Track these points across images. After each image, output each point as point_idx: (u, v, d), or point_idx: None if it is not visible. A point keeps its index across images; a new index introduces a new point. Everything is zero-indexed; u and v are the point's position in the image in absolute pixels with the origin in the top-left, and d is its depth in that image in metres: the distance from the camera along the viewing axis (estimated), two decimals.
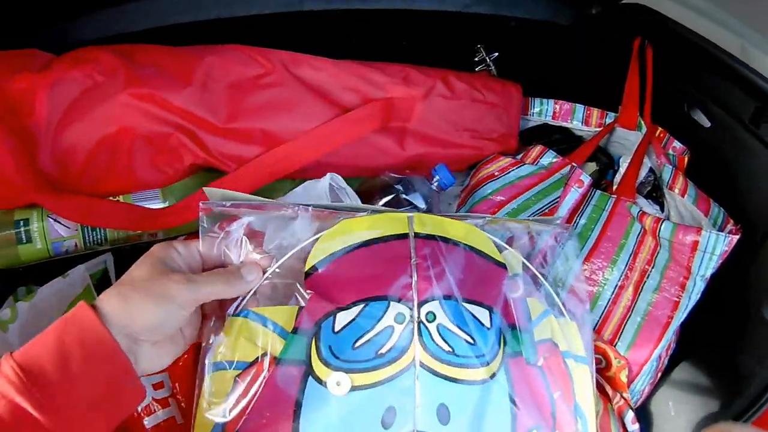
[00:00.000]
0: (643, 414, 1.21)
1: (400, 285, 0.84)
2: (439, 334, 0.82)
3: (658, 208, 1.34)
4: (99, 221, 1.14)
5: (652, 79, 1.39)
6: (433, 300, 0.84)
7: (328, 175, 1.17)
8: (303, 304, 0.83)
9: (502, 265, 0.93)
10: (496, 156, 1.41)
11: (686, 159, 1.37)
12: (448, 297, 0.85)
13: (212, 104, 1.18)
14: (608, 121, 1.47)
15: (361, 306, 0.82)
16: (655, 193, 1.39)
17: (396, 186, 1.28)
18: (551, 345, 0.91)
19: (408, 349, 0.81)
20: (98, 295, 1.07)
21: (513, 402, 0.83)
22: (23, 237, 1.12)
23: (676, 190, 1.28)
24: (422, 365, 0.80)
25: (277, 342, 0.81)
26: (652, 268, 1.19)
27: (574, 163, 1.34)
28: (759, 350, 1.12)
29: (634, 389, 1.15)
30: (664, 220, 1.20)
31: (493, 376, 0.83)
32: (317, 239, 0.88)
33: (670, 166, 1.31)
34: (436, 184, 1.31)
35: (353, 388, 0.78)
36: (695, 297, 1.16)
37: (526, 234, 1.01)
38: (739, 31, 1.21)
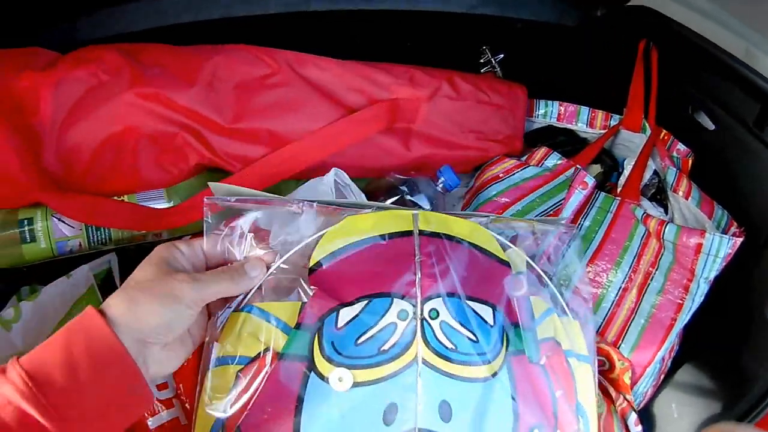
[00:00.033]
0: (646, 416, 1.20)
1: (404, 282, 0.84)
2: (442, 332, 0.82)
3: (662, 210, 1.34)
4: (103, 221, 1.14)
5: (657, 82, 1.39)
6: (436, 297, 0.84)
7: (333, 170, 1.17)
8: (306, 299, 0.83)
9: (506, 264, 0.93)
10: (500, 158, 1.41)
11: (690, 161, 1.37)
12: (451, 294, 0.85)
13: (218, 104, 1.18)
14: (613, 123, 1.47)
15: (365, 302, 0.82)
16: (659, 195, 1.39)
17: (401, 187, 1.28)
18: (554, 344, 0.91)
19: (411, 346, 0.80)
20: (102, 295, 1.09)
21: (515, 400, 0.83)
22: (27, 236, 1.12)
23: (680, 193, 1.28)
24: (425, 362, 0.80)
25: (279, 337, 0.81)
26: (656, 270, 1.19)
27: (578, 165, 1.35)
28: (762, 352, 1.12)
29: (638, 391, 1.15)
30: (668, 222, 1.20)
31: (495, 374, 0.83)
32: (322, 235, 0.88)
33: (674, 169, 1.31)
34: (441, 185, 1.31)
35: (355, 384, 0.78)
36: (699, 299, 1.16)
37: (530, 234, 1.00)
38: (743, 34, 1.21)
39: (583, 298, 0.99)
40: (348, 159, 1.29)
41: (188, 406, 0.98)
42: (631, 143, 1.46)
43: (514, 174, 1.36)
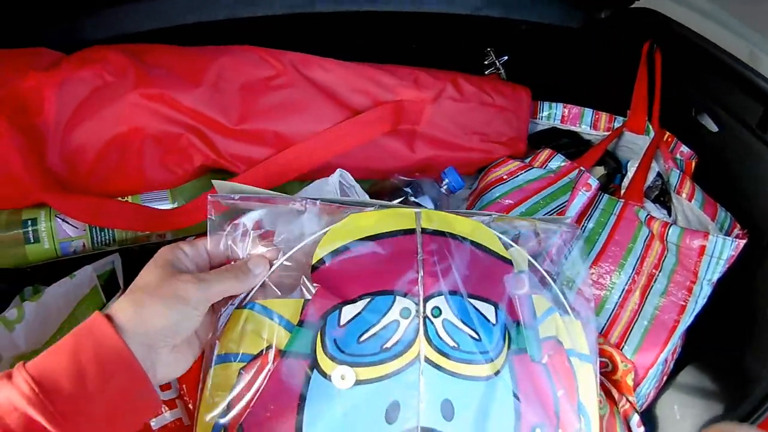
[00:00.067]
0: (649, 417, 1.21)
1: (407, 280, 0.84)
2: (445, 330, 0.82)
3: (665, 212, 1.34)
4: (107, 221, 1.14)
5: (661, 84, 1.39)
6: (438, 295, 0.84)
7: (338, 171, 1.17)
8: (309, 297, 0.83)
9: (509, 262, 0.93)
10: (504, 159, 1.41)
11: (693, 163, 1.38)
12: (453, 292, 0.85)
13: (223, 105, 1.18)
14: (616, 125, 1.47)
15: (367, 300, 0.82)
16: (663, 197, 1.39)
17: (405, 189, 1.28)
18: (556, 343, 0.91)
19: (413, 344, 0.80)
20: (105, 295, 1.08)
21: (517, 399, 0.83)
22: (31, 237, 1.12)
23: (684, 195, 1.28)
24: (427, 360, 0.80)
25: (282, 335, 0.81)
26: (660, 272, 1.19)
27: (582, 167, 1.35)
28: (764, 354, 1.13)
29: (640, 393, 1.15)
30: (671, 224, 1.20)
31: (497, 372, 0.83)
32: (325, 233, 0.88)
33: (678, 171, 1.31)
34: (445, 187, 1.32)
35: (358, 382, 0.78)
36: (702, 301, 1.16)
37: (533, 235, 1.01)
38: (747, 36, 1.21)
39: (585, 298, 0.99)
40: (352, 160, 1.29)
41: (191, 407, 0.99)
42: (634, 145, 1.46)
43: (517, 176, 1.36)
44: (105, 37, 1.23)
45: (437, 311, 0.83)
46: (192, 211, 1.16)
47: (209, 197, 0.86)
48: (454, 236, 0.91)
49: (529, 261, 0.96)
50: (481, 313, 0.85)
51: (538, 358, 0.87)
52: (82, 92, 1.10)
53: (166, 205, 1.19)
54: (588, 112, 1.49)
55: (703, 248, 1.16)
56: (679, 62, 1.37)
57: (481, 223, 0.96)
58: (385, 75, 1.31)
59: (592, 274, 1.19)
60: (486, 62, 1.58)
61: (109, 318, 0.73)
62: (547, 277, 0.96)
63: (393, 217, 0.91)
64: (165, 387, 0.98)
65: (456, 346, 0.82)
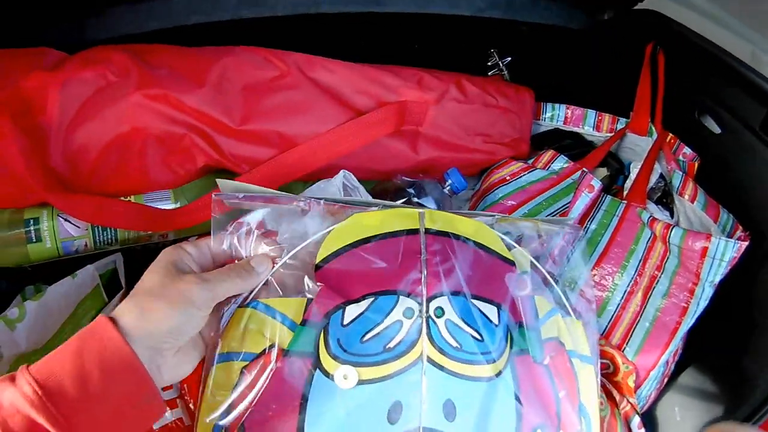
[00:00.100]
0: (650, 419, 1.20)
1: (410, 280, 0.84)
2: (447, 330, 0.82)
3: (668, 214, 1.34)
4: (109, 221, 1.14)
5: (664, 85, 1.39)
6: (441, 296, 0.84)
7: (341, 172, 1.17)
8: (312, 296, 0.83)
9: (511, 263, 0.93)
10: (507, 160, 1.42)
11: (696, 165, 1.37)
12: (456, 293, 0.85)
13: (226, 105, 1.18)
14: (619, 126, 1.47)
15: (371, 300, 0.82)
16: (665, 198, 1.39)
17: (408, 189, 1.28)
18: (557, 344, 0.91)
19: (416, 344, 0.81)
20: (107, 295, 1.08)
21: (518, 400, 0.83)
22: (33, 236, 1.12)
23: (686, 196, 1.28)
24: (430, 360, 0.80)
25: (285, 334, 0.81)
26: (662, 273, 1.19)
27: (585, 169, 1.35)
28: (765, 356, 1.12)
29: (641, 394, 1.15)
30: (674, 226, 1.20)
31: (499, 373, 0.83)
32: (328, 232, 0.88)
33: (680, 172, 1.31)
34: (448, 188, 1.32)
35: (360, 382, 0.78)
36: (704, 303, 1.16)
37: (536, 236, 1.01)
38: (749, 38, 1.21)
39: (587, 299, 0.99)
40: (356, 161, 1.29)
41: (192, 407, 0.99)
42: (637, 147, 1.46)
43: (520, 177, 1.36)
44: (108, 37, 1.23)
45: (440, 311, 0.83)
46: (194, 211, 1.16)
47: (213, 196, 0.87)
48: (457, 237, 0.91)
49: (531, 262, 0.96)
50: (484, 314, 0.85)
51: (540, 359, 0.88)
52: (85, 92, 1.10)
53: (169, 205, 1.19)
54: (591, 114, 1.49)
55: (705, 250, 1.16)
56: (682, 64, 1.37)
57: (484, 223, 0.96)
58: (388, 76, 1.31)
59: (595, 275, 1.19)
60: (489, 63, 1.58)
61: (113, 321, 0.73)
62: (549, 278, 0.96)
63: (396, 218, 0.91)
64: (166, 387, 0.97)
65: (458, 346, 0.82)
